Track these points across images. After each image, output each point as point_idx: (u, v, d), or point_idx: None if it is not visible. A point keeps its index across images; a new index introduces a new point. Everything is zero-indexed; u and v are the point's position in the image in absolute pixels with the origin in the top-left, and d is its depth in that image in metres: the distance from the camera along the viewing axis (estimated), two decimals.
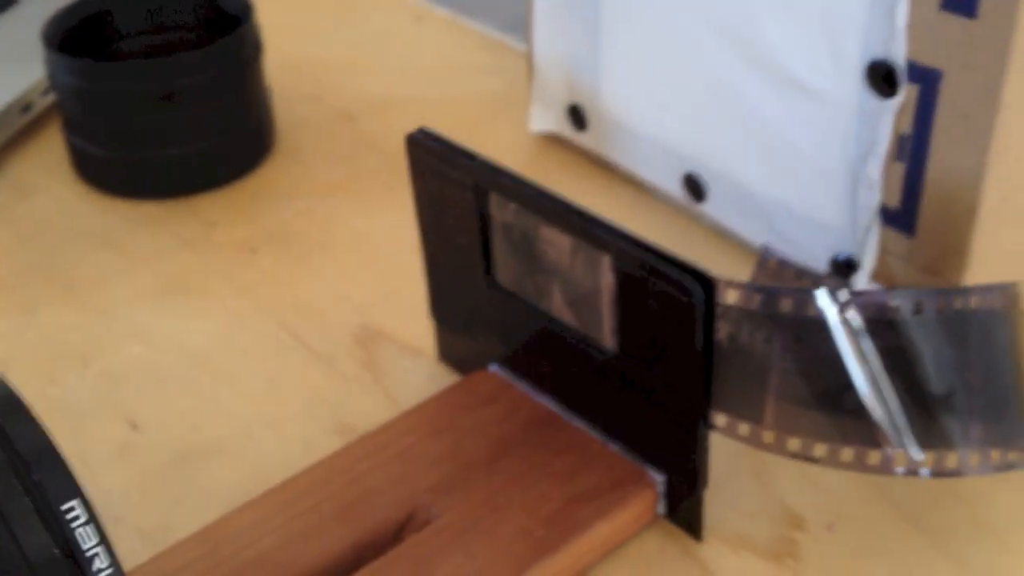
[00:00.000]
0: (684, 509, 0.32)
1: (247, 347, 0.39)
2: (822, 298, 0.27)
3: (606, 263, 0.30)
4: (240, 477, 0.34)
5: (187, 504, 0.33)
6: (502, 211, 0.32)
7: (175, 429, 0.36)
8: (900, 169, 0.35)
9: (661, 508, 0.32)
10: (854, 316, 0.27)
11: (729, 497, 0.33)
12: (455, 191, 0.33)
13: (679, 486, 0.31)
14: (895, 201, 0.36)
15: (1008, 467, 0.29)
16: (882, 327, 0.27)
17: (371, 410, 0.36)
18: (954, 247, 0.35)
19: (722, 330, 0.28)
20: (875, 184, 0.35)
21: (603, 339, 0.31)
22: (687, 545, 0.32)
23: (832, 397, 0.28)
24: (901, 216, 0.36)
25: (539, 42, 0.46)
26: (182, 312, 0.41)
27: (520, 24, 0.57)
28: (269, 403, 0.37)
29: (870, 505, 0.33)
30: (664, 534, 0.32)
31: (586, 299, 0.31)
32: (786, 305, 0.27)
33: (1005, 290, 0.28)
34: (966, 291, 0.28)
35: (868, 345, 0.27)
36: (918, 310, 0.27)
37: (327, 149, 0.50)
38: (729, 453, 0.34)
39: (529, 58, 0.48)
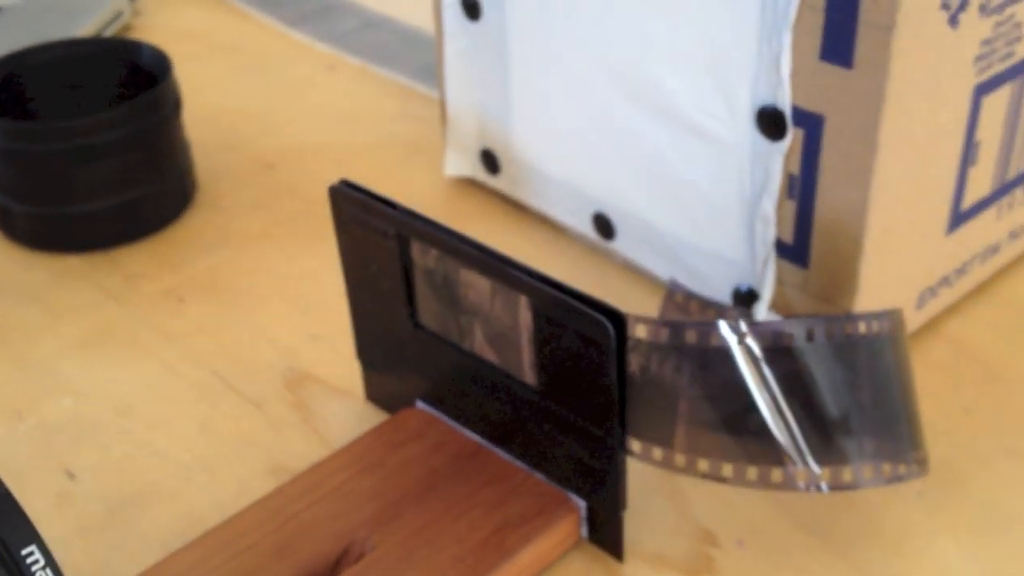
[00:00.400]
0: (605, 531, 0.34)
1: (177, 394, 0.40)
2: (723, 329, 0.29)
3: (523, 303, 0.32)
4: (177, 521, 0.35)
5: (126, 549, 0.34)
6: (423, 257, 0.34)
7: (111, 477, 0.37)
8: (792, 206, 0.38)
9: (584, 531, 0.34)
10: (753, 344, 0.29)
11: (647, 518, 0.35)
12: (378, 239, 0.35)
13: (600, 510, 0.33)
14: (788, 236, 0.38)
15: (898, 479, 0.31)
16: (779, 354, 0.30)
17: (303, 450, 0.38)
18: (844, 276, 0.37)
19: (634, 362, 0.30)
20: (770, 220, 0.38)
21: (524, 375, 0.33)
22: (610, 565, 0.34)
23: (736, 420, 0.30)
24: (794, 249, 0.38)
25: (451, 90, 0.48)
26: (111, 363, 0.42)
27: (429, 71, 0.59)
28: (202, 448, 0.38)
29: (776, 520, 0.35)
30: (588, 556, 0.34)
31: (506, 338, 0.33)
32: (691, 337, 0.29)
33: (890, 316, 0.31)
34: (854, 318, 0.30)
35: (767, 371, 0.29)
36: (810, 337, 0.30)
37: (248, 198, 0.51)
38: (645, 477, 0.36)
39: (442, 104, 0.50)
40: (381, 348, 0.38)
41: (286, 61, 0.62)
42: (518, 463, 0.35)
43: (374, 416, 0.39)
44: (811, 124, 0.36)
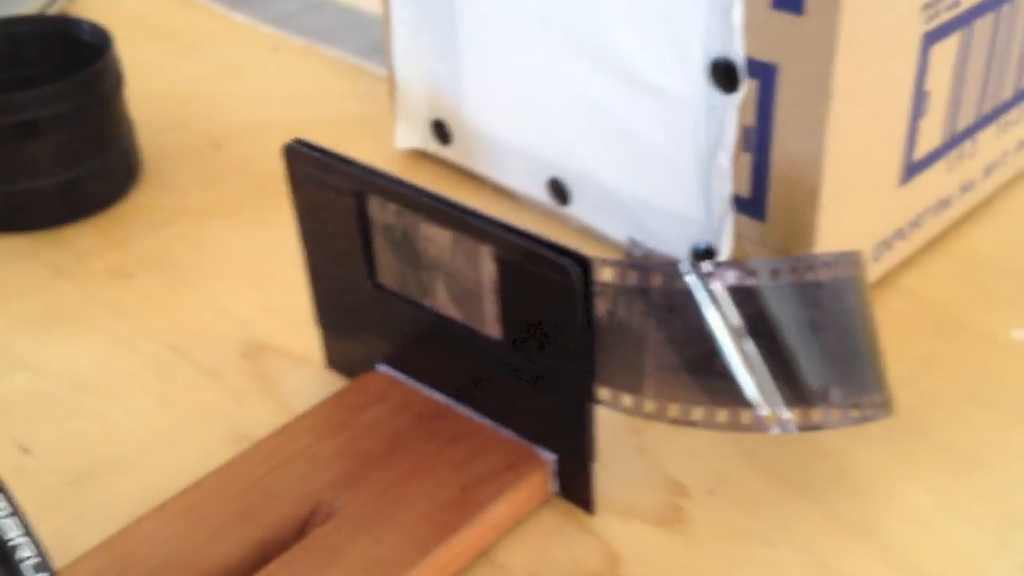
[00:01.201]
0: (575, 485, 0.33)
1: (132, 368, 0.40)
2: (689, 270, 0.29)
3: (486, 254, 0.31)
4: (138, 491, 0.35)
5: (87, 520, 0.34)
6: (382, 213, 0.34)
7: (68, 450, 0.36)
8: (747, 159, 0.38)
9: (554, 486, 0.34)
10: (718, 285, 0.29)
11: (616, 472, 0.35)
12: (335, 197, 0.34)
13: (570, 463, 0.33)
14: (745, 189, 0.38)
15: (866, 419, 0.31)
16: (744, 294, 0.30)
17: (264, 419, 0.37)
18: (801, 228, 0.38)
19: (600, 307, 0.30)
20: (725, 174, 0.38)
21: (488, 328, 0.33)
22: (581, 519, 0.34)
23: (704, 363, 0.30)
24: (751, 203, 0.38)
25: (399, 61, 0.48)
26: (63, 339, 0.41)
27: (374, 49, 0.59)
28: (161, 419, 0.37)
29: (745, 469, 0.35)
30: (559, 510, 0.34)
31: (469, 291, 0.33)
32: (657, 279, 0.29)
33: (851, 257, 0.31)
34: (817, 258, 0.30)
35: (732, 311, 0.29)
36: (775, 275, 0.30)
37: (195, 175, 0.50)
38: (613, 431, 0.36)
39: (390, 77, 0.49)
40: (340, 311, 0.37)
41: (229, 43, 0.61)
42: (484, 420, 0.35)
43: (335, 382, 0.38)
44: (764, 74, 0.36)
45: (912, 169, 0.40)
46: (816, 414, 0.31)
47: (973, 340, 0.39)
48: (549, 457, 0.33)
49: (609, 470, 0.35)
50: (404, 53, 0.48)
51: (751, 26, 0.35)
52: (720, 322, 0.29)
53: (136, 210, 0.48)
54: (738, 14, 0.35)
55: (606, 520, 0.34)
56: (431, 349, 0.35)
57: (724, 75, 0.37)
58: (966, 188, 0.43)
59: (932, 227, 0.43)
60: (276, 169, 0.50)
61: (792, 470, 0.35)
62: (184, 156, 0.51)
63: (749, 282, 0.30)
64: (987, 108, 0.42)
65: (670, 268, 0.29)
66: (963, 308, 0.41)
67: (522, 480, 0.33)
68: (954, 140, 0.41)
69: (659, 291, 0.29)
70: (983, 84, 0.41)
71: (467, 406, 0.35)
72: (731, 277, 0.29)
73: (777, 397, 0.30)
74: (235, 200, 0.48)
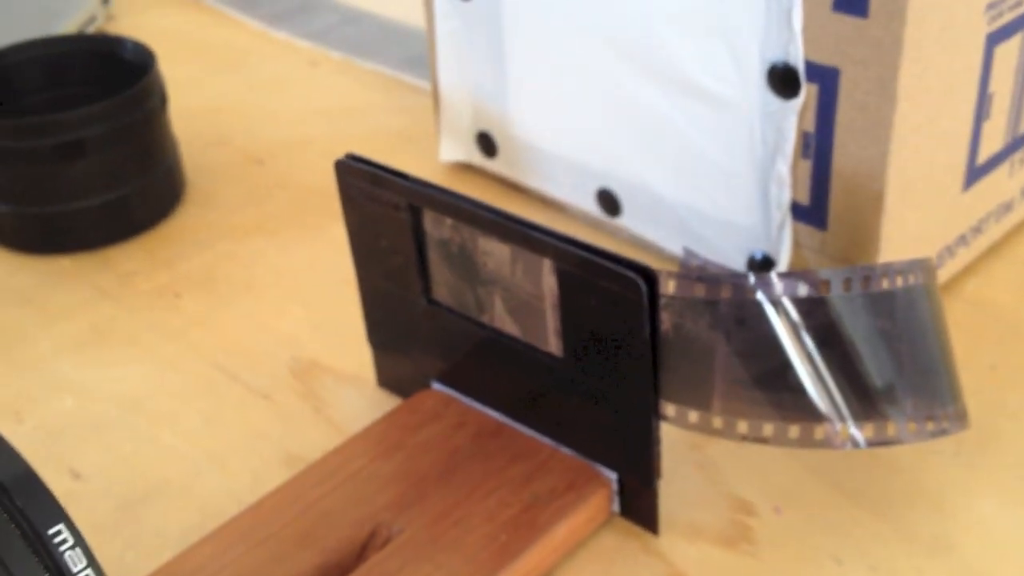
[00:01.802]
0: (638, 504, 0.32)
1: (181, 389, 0.39)
2: (759, 281, 0.28)
3: (547, 267, 0.31)
4: (191, 515, 0.34)
5: (140, 547, 0.33)
6: (438, 227, 0.33)
7: (118, 474, 0.35)
8: (807, 166, 0.37)
9: (616, 506, 0.33)
10: (788, 297, 0.28)
11: (678, 491, 0.34)
12: (388, 212, 0.34)
13: (633, 481, 0.32)
14: (804, 197, 0.37)
15: (941, 432, 0.30)
16: (814, 306, 0.29)
17: (316, 439, 0.36)
18: (864, 236, 0.37)
19: (667, 321, 0.29)
20: (784, 182, 0.37)
21: (548, 344, 0.32)
22: (645, 540, 0.33)
23: (774, 377, 0.29)
24: (811, 211, 0.38)
25: (443, 72, 0.47)
26: (110, 361, 0.40)
27: (414, 62, 0.58)
28: (211, 441, 0.37)
29: (812, 485, 0.34)
30: (621, 531, 0.33)
31: (528, 306, 0.32)
32: (726, 291, 0.28)
33: (923, 265, 0.30)
34: (889, 267, 0.29)
35: (803, 324, 0.29)
36: (847, 287, 0.29)
37: (238, 193, 0.50)
38: (672, 447, 0.35)
39: (434, 89, 0.49)
40: (393, 328, 0.36)
41: (266, 59, 0.61)
42: (544, 439, 0.34)
43: (387, 402, 0.38)
44: (826, 78, 0.35)
45: (975, 173, 0.39)
46: (891, 428, 0.29)
47: None
48: (611, 476, 0.33)
49: (671, 488, 0.34)
50: (448, 64, 0.47)
51: (811, 29, 0.35)
52: (791, 334, 0.29)
53: (181, 229, 0.47)
54: (798, 17, 0.34)
55: (670, 541, 0.33)
56: (488, 366, 0.34)
57: (783, 80, 0.36)
58: None
59: (994, 232, 0.42)
60: (319, 184, 0.49)
61: (861, 486, 0.34)
62: (227, 173, 0.51)
63: (820, 293, 0.29)
64: None
65: (739, 279, 0.28)
66: None
67: (584, 500, 0.32)
68: (1016, 143, 0.40)
69: (728, 303, 0.28)
70: None
71: (525, 424, 0.34)
72: (802, 288, 0.28)
73: (850, 411, 0.29)
74: (279, 217, 0.48)
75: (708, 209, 0.40)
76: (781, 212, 0.38)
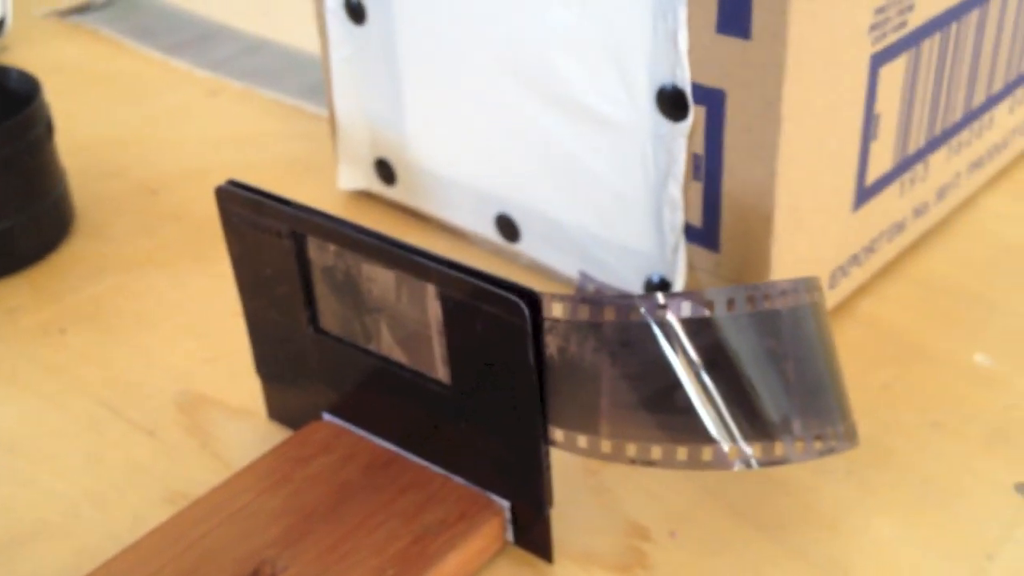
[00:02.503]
0: (532, 532, 0.32)
1: (62, 427, 0.38)
2: (643, 303, 0.28)
3: (431, 293, 0.30)
4: (67, 558, 0.33)
5: None
6: (322, 254, 0.32)
7: None
8: (698, 188, 0.37)
9: (509, 535, 0.32)
10: (673, 317, 0.28)
11: (573, 517, 0.33)
12: (271, 240, 0.33)
13: (525, 509, 0.31)
14: (697, 219, 0.37)
15: (830, 451, 0.30)
16: (700, 325, 0.28)
17: (202, 476, 0.35)
18: (756, 257, 0.37)
19: (551, 344, 0.29)
20: (677, 204, 0.37)
21: (436, 371, 0.31)
22: (539, 568, 0.32)
23: (661, 399, 0.28)
24: (704, 233, 0.37)
25: (339, 99, 0.46)
26: None
27: (315, 90, 0.57)
28: (91, 480, 0.35)
29: (707, 509, 0.34)
30: (515, 560, 0.32)
31: (415, 333, 0.31)
32: (610, 313, 0.28)
33: (808, 283, 0.30)
34: (774, 285, 0.29)
35: (689, 344, 0.28)
36: (731, 306, 0.28)
37: (130, 224, 0.48)
38: (567, 473, 0.35)
39: (331, 116, 0.48)
40: (281, 359, 0.35)
41: (165, 89, 0.60)
42: (435, 468, 0.33)
43: (278, 435, 0.37)
44: (713, 100, 0.35)
45: (865, 194, 0.39)
46: (779, 448, 0.29)
47: (934, 366, 0.39)
48: (503, 504, 0.32)
49: (565, 515, 0.33)
50: (344, 92, 0.46)
51: (697, 52, 0.35)
52: (677, 356, 0.28)
53: (68, 262, 0.46)
54: (683, 40, 0.34)
55: (565, 568, 0.32)
56: (378, 395, 0.33)
57: (671, 102, 0.36)
58: (919, 212, 0.43)
59: (887, 252, 0.42)
60: (215, 215, 0.48)
61: (756, 508, 0.34)
62: (119, 204, 0.50)
63: (705, 313, 0.28)
64: (938, 130, 0.41)
65: (623, 301, 0.28)
66: (922, 333, 0.40)
67: (476, 529, 0.31)
68: (905, 163, 0.41)
69: (612, 326, 0.28)
70: (933, 106, 0.40)
71: (417, 454, 0.33)
72: (686, 309, 0.28)
73: (738, 432, 0.29)
74: (173, 248, 0.47)
75: (604, 233, 0.40)
76: (675, 235, 0.38)
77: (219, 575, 0.30)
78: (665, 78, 0.36)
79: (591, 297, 0.28)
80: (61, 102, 0.54)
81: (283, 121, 0.56)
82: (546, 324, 0.28)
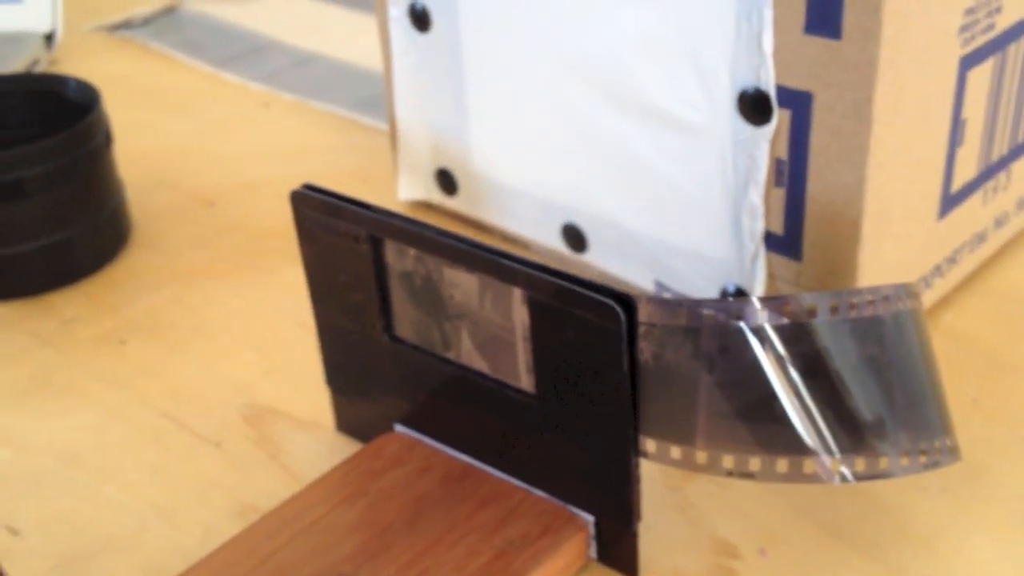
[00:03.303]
0: (617, 549, 0.31)
1: (126, 440, 0.37)
2: (747, 306, 0.27)
3: (518, 297, 0.29)
4: (137, 573, 0.32)
5: None
6: (400, 259, 0.31)
7: (58, 531, 0.33)
8: (780, 194, 0.36)
9: (593, 551, 0.31)
10: (775, 323, 0.27)
11: (658, 535, 0.32)
12: (347, 244, 0.32)
13: (612, 524, 0.30)
14: (778, 226, 0.36)
15: (934, 464, 0.29)
16: (801, 332, 0.27)
17: (271, 488, 0.34)
18: (841, 265, 0.35)
19: (646, 350, 0.27)
20: (757, 212, 0.36)
21: (519, 380, 0.30)
22: None
23: (761, 408, 0.27)
24: (786, 241, 0.36)
25: (401, 108, 0.46)
26: (49, 411, 0.38)
27: (368, 103, 0.57)
28: (158, 494, 0.34)
29: (797, 526, 0.32)
30: None
31: (498, 340, 0.30)
32: (711, 317, 0.27)
33: (908, 289, 0.29)
34: (876, 290, 0.28)
35: (788, 351, 0.27)
36: (834, 312, 0.27)
37: (188, 235, 0.48)
38: (651, 492, 0.33)
39: (391, 126, 0.47)
40: (353, 369, 0.34)
41: (218, 101, 0.59)
42: (515, 481, 0.32)
43: (347, 447, 0.36)
44: (798, 103, 0.34)
45: (950, 201, 0.38)
46: (883, 461, 0.28)
47: (1022, 379, 0.37)
48: (588, 519, 0.31)
49: (650, 532, 0.32)
50: (406, 99, 0.45)
51: (782, 53, 0.33)
52: (776, 363, 0.27)
53: (127, 273, 0.45)
54: (768, 41, 0.33)
55: None
56: (455, 406, 0.32)
57: (754, 106, 0.35)
58: (1000, 222, 0.41)
59: (968, 263, 0.41)
60: (273, 226, 0.48)
61: (848, 525, 0.32)
62: (176, 216, 0.49)
63: (807, 319, 0.27)
64: (1020, 137, 0.40)
65: (723, 305, 0.27)
66: (1008, 347, 0.39)
67: (560, 545, 0.30)
68: (989, 171, 0.39)
69: (712, 330, 0.27)
70: (1017, 111, 0.39)
71: (496, 467, 0.32)
72: (788, 314, 0.27)
73: (839, 444, 0.28)
74: (231, 259, 0.46)
75: (678, 241, 0.39)
76: (754, 243, 0.36)
77: None
78: (747, 81, 0.35)
79: (687, 300, 0.27)
80: (113, 114, 0.53)
81: (338, 133, 0.55)
82: (641, 329, 0.27)
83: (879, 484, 0.33)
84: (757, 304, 0.27)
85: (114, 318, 0.43)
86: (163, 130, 0.56)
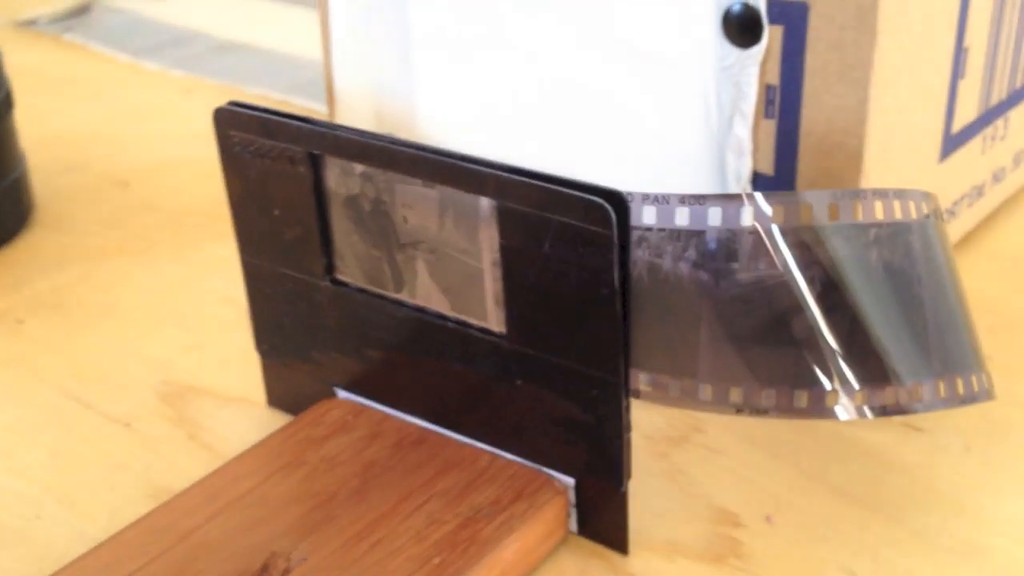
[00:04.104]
0: (603, 518, 0.26)
1: (20, 421, 0.31)
2: (762, 202, 0.23)
3: (486, 210, 0.25)
4: (31, 565, 0.26)
5: None
6: (345, 181, 0.27)
7: None
8: (770, 127, 0.32)
9: (573, 524, 0.26)
10: (786, 226, 0.23)
11: (647, 504, 0.28)
12: (282, 168, 0.27)
13: (597, 486, 0.26)
14: (768, 166, 0.32)
15: (972, 400, 0.25)
16: (821, 236, 0.23)
17: (190, 469, 0.29)
18: None
19: (640, 261, 0.23)
20: (744, 148, 0.32)
21: (487, 319, 0.26)
22: (612, 561, 0.26)
23: (777, 327, 0.23)
24: (777, 181, 0.32)
25: (340, 72, 0.41)
26: None
27: (300, 89, 0.52)
28: (56, 478, 0.29)
29: (806, 490, 0.28)
30: (582, 552, 0.26)
31: (461, 269, 0.26)
32: (716, 216, 0.23)
33: (928, 197, 0.25)
34: (903, 193, 0.24)
35: (811, 259, 0.23)
36: (857, 213, 0.23)
37: (99, 215, 0.42)
38: (634, 461, 0.29)
39: (329, 95, 0.43)
40: (288, 326, 0.30)
41: (135, 88, 0.54)
42: (481, 445, 0.27)
43: (281, 422, 0.31)
44: (792, 17, 0.30)
45: (951, 143, 0.34)
46: (917, 391, 0.24)
47: None
48: (568, 482, 0.26)
49: (637, 502, 0.27)
50: (345, 62, 0.41)
51: None
52: (796, 273, 0.23)
53: (27, 252, 0.40)
54: None
55: (644, 560, 0.26)
56: (410, 359, 0.28)
57: (740, 25, 0.31)
58: (998, 177, 0.38)
59: (967, 219, 0.37)
60: (193, 205, 0.43)
61: (865, 488, 0.28)
62: (85, 196, 0.44)
63: (827, 222, 0.23)
64: (1018, 83, 0.37)
65: (733, 201, 0.23)
66: (1014, 305, 0.35)
67: (536, 511, 0.25)
68: (988, 115, 0.36)
69: (721, 233, 0.23)
70: (1016, 51, 0.36)
71: (457, 431, 0.27)
72: (806, 215, 0.23)
73: (866, 371, 0.23)
74: (147, 238, 0.41)
75: (656, 192, 0.35)
76: (741, 185, 0.32)
77: (219, 571, 0.24)
78: None
79: (691, 196, 0.23)
80: (20, 102, 0.48)
81: None
82: (635, 235, 0.23)
83: (894, 446, 0.29)
84: (773, 199, 0.23)
85: (11, 297, 0.37)
86: (75, 116, 0.51)
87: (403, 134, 0.41)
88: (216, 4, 0.65)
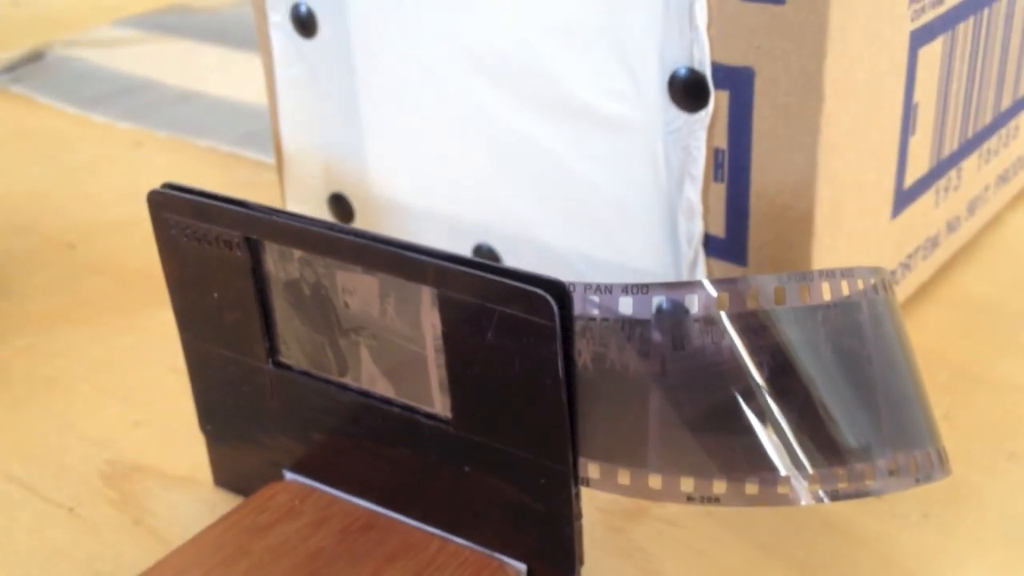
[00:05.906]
0: None
1: None
2: (708, 288, 0.22)
3: (427, 298, 0.24)
4: None
5: None
6: (284, 265, 0.26)
7: None
8: (720, 190, 0.31)
9: None
10: (728, 311, 0.22)
11: None
12: (219, 253, 0.27)
13: (548, 572, 0.25)
14: (719, 228, 0.32)
15: (926, 479, 0.24)
16: (767, 321, 0.23)
17: (135, 557, 0.28)
18: (792, 268, 0.31)
19: (584, 351, 0.23)
20: (695, 211, 0.32)
21: (432, 403, 0.25)
22: None
23: (724, 416, 0.23)
24: (728, 244, 0.32)
25: (287, 128, 0.41)
26: None
27: (253, 137, 0.52)
28: None
29: (764, 566, 0.27)
30: None
31: (405, 355, 0.25)
32: (660, 303, 0.22)
33: (879, 273, 0.25)
34: (849, 272, 0.24)
35: (752, 344, 0.22)
36: (804, 292, 0.23)
37: (44, 280, 0.42)
38: (590, 538, 0.28)
39: (277, 151, 0.42)
40: (232, 408, 0.29)
41: (84, 142, 0.54)
42: (431, 529, 0.27)
43: (229, 504, 0.30)
44: (738, 82, 0.30)
45: (903, 198, 0.34)
46: (869, 476, 0.23)
47: (995, 392, 0.33)
48: (520, 568, 0.25)
49: None
50: (292, 118, 0.41)
51: (718, 25, 0.29)
52: (742, 359, 0.22)
53: None
54: (701, 12, 0.29)
55: None
56: (356, 443, 0.27)
57: (686, 89, 0.31)
58: (952, 227, 0.38)
59: (922, 271, 0.37)
60: (142, 267, 0.42)
61: (824, 562, 0.27)
62: (28, 260, 0.43)
63: (770, 306, 0.23)
64: (970, 133, 0.37)
65: (681, 287, 0.22)
66: (973, 358, 0.35)
67: None
68: (940, 167, 0.36)
69: (667, 320, 0.22)
70: (966, 103, 0.36)
71: (405, 514, 0.27)
72: (752, 299, 0.23)
73: (819, 457, 0.23)
74: (93, 304, 0.40)
75: (605, 254, 0.34)
76: (692, 248, 0.32)
77: None
78: (679, 61, 0.30)
79: (634, 285, 0.22)
80: None
81: (221, 169, 0.50)
82: (578, 324, 0.22)
83: (853, 516, 0.29)
84: (708, 288, 0.22)
85: None
86: (19, 175, 0.50)
87: (352, 192, 0.40)
88: (170, 50, 0.64)
